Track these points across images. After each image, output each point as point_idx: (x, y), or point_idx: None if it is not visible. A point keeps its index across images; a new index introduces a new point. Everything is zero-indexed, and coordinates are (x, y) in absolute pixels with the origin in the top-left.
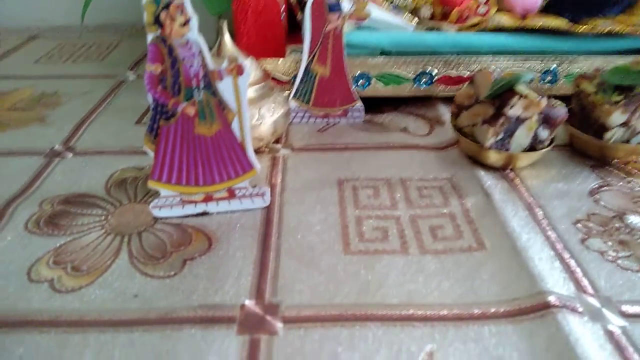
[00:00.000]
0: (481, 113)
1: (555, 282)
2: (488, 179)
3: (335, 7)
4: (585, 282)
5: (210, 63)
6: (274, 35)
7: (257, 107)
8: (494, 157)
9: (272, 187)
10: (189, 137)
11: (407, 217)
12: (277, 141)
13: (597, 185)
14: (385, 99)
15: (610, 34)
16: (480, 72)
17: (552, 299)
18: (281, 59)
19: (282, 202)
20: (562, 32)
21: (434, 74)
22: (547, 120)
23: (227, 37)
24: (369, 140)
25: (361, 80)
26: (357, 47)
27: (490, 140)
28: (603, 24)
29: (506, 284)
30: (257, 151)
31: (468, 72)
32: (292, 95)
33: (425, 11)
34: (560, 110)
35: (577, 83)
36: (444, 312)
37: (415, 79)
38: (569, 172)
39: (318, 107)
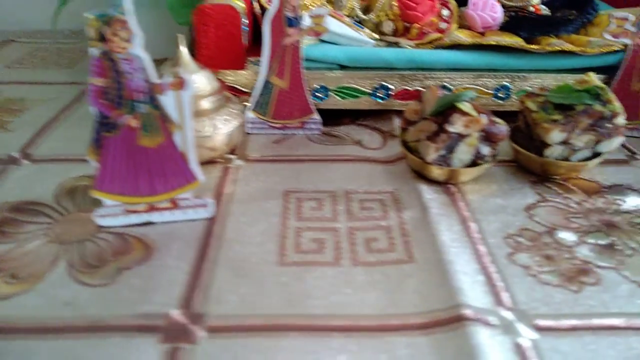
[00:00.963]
0: (425, 129)
1: (475, 296)
2: (429, 193)
3: (294, 22)
4: (504, 296)
5: (153, 77)
6: (234, 48)
7: (211, 119)
8: (436, 172)
9: (219, 197)
10: (132, 148)
11: (345, 229)
12: (232, 152)
13: (534, 201)
14: (345, 111)
15: (561, 53)
16: (428, 89)
17: (467, 311)
18: (242, 71)
19: (226, 213)
20: (515, 50)
21: (390, 88)
22: (488, 137)
23: (183, 49)
24: (322, 152)
25: (319, 93)
26: (315, 61)
27: (432, 156)
28: (556, 43)
29: (427, 297)
30: (211, 162)
31: (423, 87)
32: (251, 106)
33: (387, 26)
34: (501, 128)
35: (522, 100)
36: (364, 323)
37: (372, 93)
38: (510, 187)
39: (276, 119)
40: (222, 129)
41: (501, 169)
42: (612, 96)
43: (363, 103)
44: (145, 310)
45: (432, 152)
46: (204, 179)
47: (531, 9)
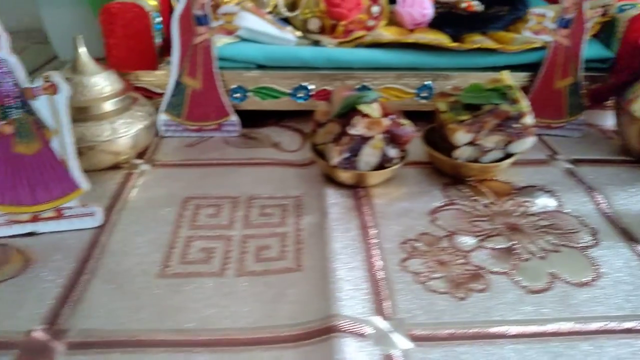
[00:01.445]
0: (331, 131)
1: (353, 305)
2: (335, 198)
3: (204, 20)
4: (386, 304)
5: (23, 81)
6: (144, 48)
7: (111, 122)
8: (344, 176)
9: (112, 205)
10: (9, 156)
11: (239, 237)
12: (140, 156)
13: (441, 204)
14: (270, 111)
15: (484, 50)
16: (336, 90)
17: (340, 322)
18: (156, 71)
19: (116, 222)
20: (438, 48)
21: (310, 88)
22: (393, 139)
23: (82, 51)
24: (236, 155)
25: (237, 94)
26: (231, 60)
27: (335, 159)
28: (478, 40)
29: (305, 307)
30: (115, 166)
31: None
32: (163, 108)
33: (313, 24)
34: (406, 130)
35: (435, 100)
36: (234, 337)
37: (292, 93)
38: (420, 190)
39: (191, 120)
40: (125, 132)
41: (416, 170)
42: (520, 95)
43: (283, 104)
44: (6, 326)
45: (335, 155)
46: (88, 186)
47: (464, 5)
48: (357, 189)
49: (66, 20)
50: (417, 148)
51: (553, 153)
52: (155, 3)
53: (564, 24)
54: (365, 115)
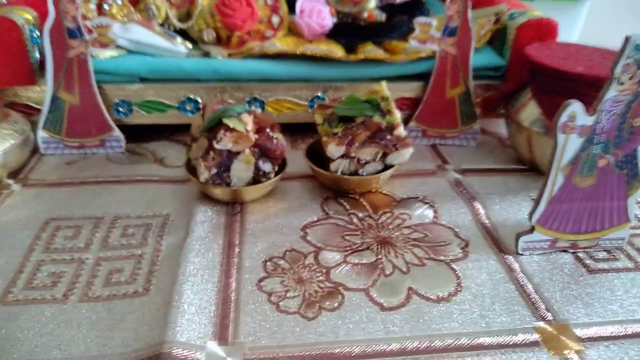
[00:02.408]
0: (202, 146)
1: (192, 330)
2: (205, 215)
3: (76, 33)
4: (229, 329)
5: None
6: (19, 62)
7: None
8: (218, 192)
9: None
10: None
11: (92, 261)
12: (16, 174)
13: (315, 219)
14: (162, 125)
15: (374, 61)
16: (209, 103)
17: (171, 349)
18: (35, 87)
19: None
20: (329, 59)
21: (199, 101)
22: (265, 153)
23: None
24: (115, 173)
25: (122, 108)
26: (111, 74)
27: (204, 175)
28: (370, 51)
29: (141, 334)
30: None
31: (233, 100)
32: (41, 125)
33: (208, 35)
34: (278, 144)
35: (313, 112)
36: None
37: (179, 106)
38: (299, 204)
39: (71, 137)
40: None
41: (299, 184)
42: (392, 107)
43: (171, 117)
44: None
45: (203, 171)
46: None
47: (365, 14)
48: (234, 205)
49: None
50: (302, 161)
51: (443, 163)
52: (30, 17)
53: (450, 32)
54: (232, 130)
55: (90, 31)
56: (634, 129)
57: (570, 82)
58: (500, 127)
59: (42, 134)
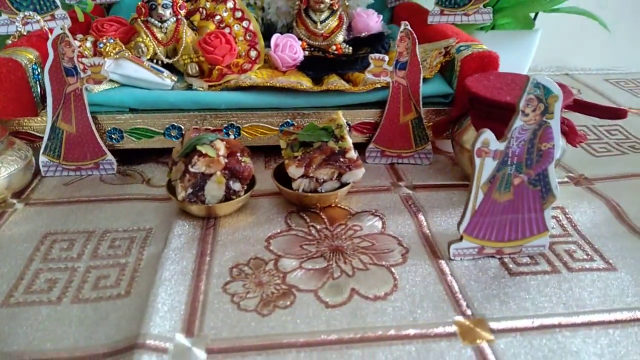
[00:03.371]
0: (180, 169)
1: (163, 324)
2: (183, 229)
3: (72, 72)
4: (196, 324)
5: None
6: (23, 98)
7: None
8: (195, 209)
9: None
10: None
11: (84, 268)
12: (19, 195)
13: (279, 231)
14: (150, 148)
15: (335, 91)
16: (187, 131)
17: (145, 340)
18: (37, 117)
19: None
20: (295, 90)
21: (182, 127)
22: (234, 174)
23: None
24: (107, 192)
25: (114, 135)
26: (104, 106)
27: (181, 194)
28: (333, 82)
29: (121, 328)
30: None
31: (212, 127)
32: (42, 151)
33: (192, 69)
34: (245, 166)
35: (279, 138)
36: (52, 356)
37: (165, 132)
38: (267, 218)
39: (68, 161)
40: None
41: (267, 201)
42: (345, 133)
43: (158, 142)
44: None
45: (181, 191)
46: None
47: (333, 47)
48: (208, 219)
49: None
50: (269, 180)
51: (397, 180)
52: (32, 56)
53: (400, 66)
54: (205, 155)
55: (85, 69)
56: (542, 152)
57: (501, 109)
58: (450, 146)
59: (42, 158)
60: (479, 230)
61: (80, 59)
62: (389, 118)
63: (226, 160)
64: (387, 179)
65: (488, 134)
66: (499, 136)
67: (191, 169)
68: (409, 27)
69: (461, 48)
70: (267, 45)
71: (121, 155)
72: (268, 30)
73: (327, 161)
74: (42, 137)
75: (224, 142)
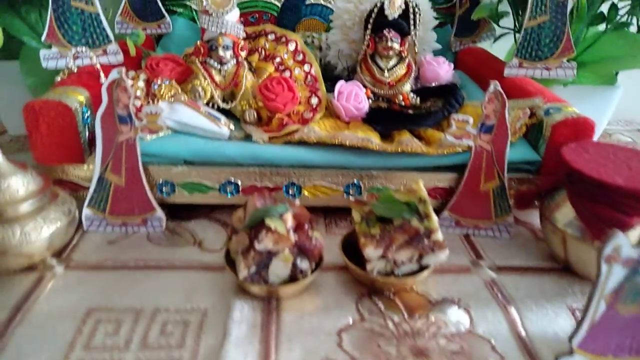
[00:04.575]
0: (242, 241)
1: None
2: (242, 312)
3: (127, 119)
4: None
5: None
6: (70, 143)
7: (22, 225)
8: (256, 289)
9: (10, 318)
10: None
11: None
12: (59, 253)
13: (351, 322)
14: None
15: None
16: (251, 197)
17: None
18: (84, 165)
19: (9, 339)
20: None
21: (239, 183)
22: (303, 252)
23: None
24: (155, 256)
25: (165, 188)
26: (157, 157)
27: (243, 273)
28: (405, 141)
29: None
30: (28, 268)
31: (271, 184)
32: (86, 203)
33: (250, 115)
34: (316, 243)
35: (352, 209)
36: None
37: (220, 187)
38: (335, 301)
39: (114, 215)
40: (38, 234)
41: (333, 276)
42: (430, 210)
43: (212, 198)
44: None
45: (242, 269)
46: None
47: (400, 97)
48: (270, 300)
49: (15, 95)
50: (336, 248)
51: (477, 257)
52: (83, 98)
53: (486, 129)
54: (273, 231)
55: (138, 112)
56: None
57: (609, 192)
58: (533, 217)
59: (86, 211)
60: (595, 345)
61: (134, 103)
62: (467, 185)
63: (295, 237)
64: (465, 254)
65: (621, 239)
66: (606, 222)
67: (257, 246)
68: (499, 87)
69: (550, 110)
70: (326, 87)
71: (170, 208)
72: (326, 72)
73: (409, 243)
74: (86, 187)
75: (290, 211)
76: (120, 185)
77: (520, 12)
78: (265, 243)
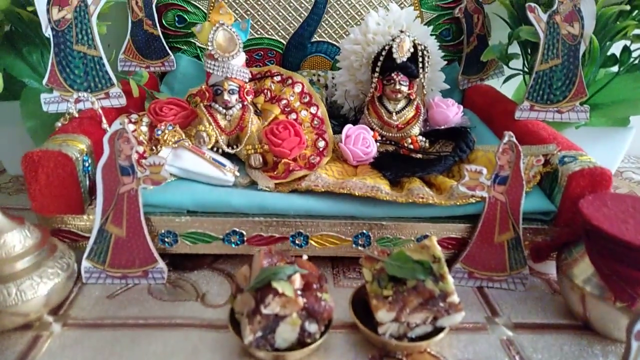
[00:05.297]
0: (247, 303)
1: None
2: None
3: (129, 170)
4: None
5: None
6: (69, 193)
7: (18, 284)
8: (262, 355)
9: None
10: None
11: None
12: (57, 309)
13: None
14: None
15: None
16: (257, 254)
17: None
18: (83, 215)
19: None
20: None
21: (244, 233)
22: (312, 315)
23: None
24: (155, 312)
25: (167, 238)
26: (159, 207)
27: (248, 338)
28: (415, 189)
29: None
30: (23, 327)
31: (277, 234)
32: (85, 255)
33: (255, 160)
34: (326, 306)
35: (361, 264)
36: None
37: (224, 238)
38: None
39: (114, 268)
40: (35, 292)
41: (344, 337)
42: (445, 271)
43: (216, 248)
44: None
45: (248, 334)
46: None
47: (409, 140)
48: None
49: (15, 135)
50: (344, 302)
51: (492, 314)
52: (84, 146)
53: (500, 181)
54: (281, 294)
55: (141, 158)
56: None
57: (631, 251)
58: (549, 267)
59: (85, 264)
60: None
61: (137, 150)
62: (481, 236)
63: (304, 300)
64: (479, 309)
65: None
66: (629, 283)
67: (264, 310)
68: (514, 139)
69: (566, 159)
70: (332, 125)
71: (172, 257)
72: (332, 110)
73: (424, 305)
74: (86, 237)
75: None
76: (121, 236)
77: (530, 53)
78: (272, 307)
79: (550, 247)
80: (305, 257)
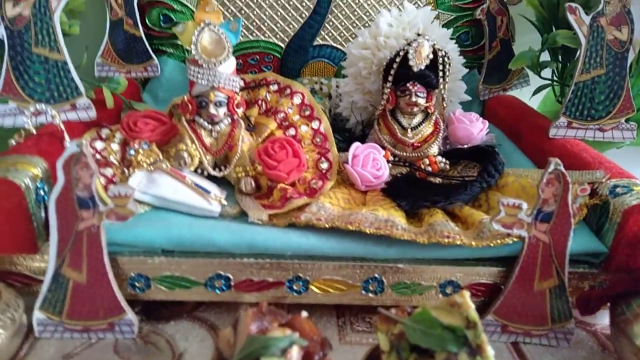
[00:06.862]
0: None
1: None
2: None
3: (86, 203)
4: None
5: None
6: (18, 230)
7: None
8: None
9: None
10: None
11: None
12: None
13: None
14: None
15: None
16: (243, 315)
17: None
18: (36, 255)
19: None
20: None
21: (231, 277)
22: None
23: None
24: None
25: (138, 283)
26: (128, 246)
27: None
28: (438, 224)
29: None
30: None
31: (271, 278)
32: (37, 304)
33: (247, 184)
34: None
35: (375, 327)
36: None
37: (207, 282)
38: None
39: (73, 319)
40: None
41: None
42: (483, 340)
43: (197, 294)
44: None
45: None
46: None
47: (426, 161)
48: None
49: None
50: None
51: None
52: (38, 170)
53: (543, 217)
54: None
55: (109, 182)
56: None
57: None
58: (599, 317)
59: (38, 314)
60: None
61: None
62: (518, 283)
63: None
64: None
65: None
66: None
67: None
68: (561, 167)
69: (617, 189)
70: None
71: (145, 304)
72: (336, 123)
73: None
74: (40, 280)
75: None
76: (80, 282)
77: (561, 61)
78: None
79: (602, 297)
80: (304, 314)
